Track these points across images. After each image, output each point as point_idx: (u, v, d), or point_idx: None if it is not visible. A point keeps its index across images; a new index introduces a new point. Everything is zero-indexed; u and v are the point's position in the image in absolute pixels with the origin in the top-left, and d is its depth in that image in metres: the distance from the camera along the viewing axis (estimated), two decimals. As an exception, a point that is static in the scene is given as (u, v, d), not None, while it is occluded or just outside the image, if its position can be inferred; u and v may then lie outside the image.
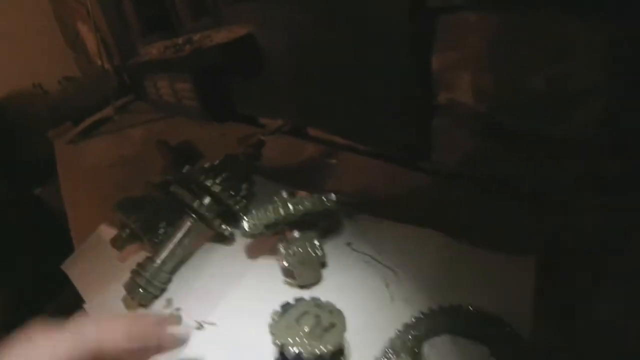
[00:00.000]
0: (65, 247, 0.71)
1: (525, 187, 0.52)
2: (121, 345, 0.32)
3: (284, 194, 0.45)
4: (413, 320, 0.39)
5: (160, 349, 0.35)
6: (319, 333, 0.34)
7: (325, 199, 0.44)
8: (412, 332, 0.38)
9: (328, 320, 0.35)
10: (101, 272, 0.60)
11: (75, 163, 1.12)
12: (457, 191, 0.55)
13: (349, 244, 0.50)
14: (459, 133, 0.56)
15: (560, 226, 0.45)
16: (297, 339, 0.33)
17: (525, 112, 0.48)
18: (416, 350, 0.37)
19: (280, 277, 0.49)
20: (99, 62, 1.47)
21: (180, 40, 1.01)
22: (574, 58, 0.41)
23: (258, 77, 0.82)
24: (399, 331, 0.38)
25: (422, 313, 0.39)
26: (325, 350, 0.33)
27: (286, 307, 0.37)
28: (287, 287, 0.47)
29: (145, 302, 0.50)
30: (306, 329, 0.34)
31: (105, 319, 0.34)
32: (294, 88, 0.75)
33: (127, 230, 0.57)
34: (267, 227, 0.43)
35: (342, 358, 0.37)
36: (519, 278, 0.41)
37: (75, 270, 0.64)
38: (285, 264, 0.45)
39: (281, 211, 0.42)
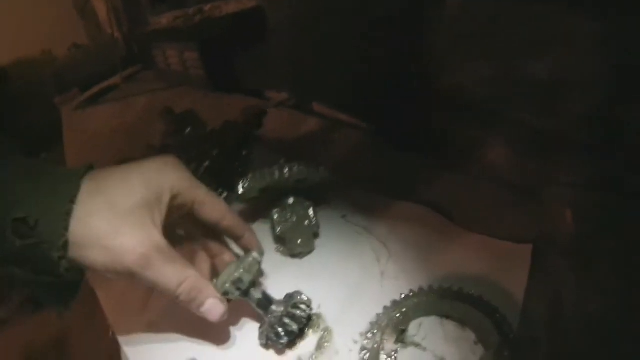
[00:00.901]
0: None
1: (517, 177, 0.51)
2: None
3: (282, 161, 0.45)
4: (402, 297, 0.39)
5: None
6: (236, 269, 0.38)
7: (321, 169, 0.44)
8: (400, 310, 0.38)
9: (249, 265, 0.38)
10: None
11: (79, 129, 1.12)
12: (454, 175, 0.54)
13: (343, 216, 0.50)
14: (458, 118, 0.55)
15: (546, 217, 0.44)
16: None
17: (521, 101, 0.47)
18: (402, 329, 0.37)
19: (271, 244, 0.48)
20: (109, 31, 1.46)
21: (190, 11, 1.00)
22: (572, 48, 0.41)
23: (265, 49, 0.81)
24: (386, 308, 0.38)
25: (412, 291, 0.39)
26: (237, 275, 0.37)
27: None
28: (277, 255, 0.47)
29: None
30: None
31: None
32: (300, 61, 0.74)
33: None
34: (262, 191, 0.43)
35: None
36: (515, 266, 0.40)
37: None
38: (277, 230, 0.45)
39: (276, 175, 0.42)
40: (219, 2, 0.92)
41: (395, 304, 0.38)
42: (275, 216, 0.45)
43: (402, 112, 0.60)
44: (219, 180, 0.52)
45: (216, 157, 0.49)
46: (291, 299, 0.38)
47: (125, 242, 0.32)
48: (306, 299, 0.38)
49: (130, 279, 0.33)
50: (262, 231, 0.50)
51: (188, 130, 0.52)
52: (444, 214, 0.48)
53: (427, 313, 0.38)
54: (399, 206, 0.51)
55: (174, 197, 0.35)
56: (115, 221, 0.32)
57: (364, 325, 0.38)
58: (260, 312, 0.38)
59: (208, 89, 0.99)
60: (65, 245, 0.30)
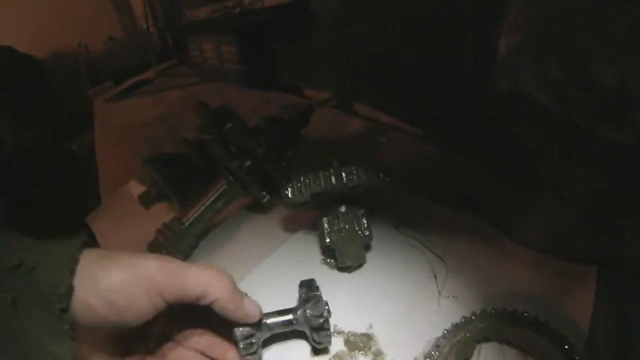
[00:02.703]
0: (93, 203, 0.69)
1: (579, 191, 0.47)
2: (228, 295, 0.31)
3: (335, 164, 0.40)
4: (463, 320, 0.34)
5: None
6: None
7: (381, 174, 0.39)
8: (462, 335, 0.33)
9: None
10: (125, 229, 0.57)
11: (111, 120, 1.11)
12: (515, 187, 0.49)
13: (396, 227, 0.46)
14: (517, 125, 0.51)
15: (614, 240, 0.40)
16: None
17: (590, 108, 0.43)
18: (465, 357, 0.32)
19: (317, 255, 0.44)
20: (144, 24, 1.46)
21: (230, 4, 0.97)
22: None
23: (308, 44, 0.77)
24: (447, 331, 0.34)
25: (474, 314, 0.35)
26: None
27: None
28: (324, 267, 0.43)
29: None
30: None
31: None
32: (344, 60, 0.70)
33: (157, 188, 0.53)
34: (313, 196, 0.38)
35: None
36: (579, 289, 0.37)
37: (100, 224, 0.61)
38: (327, 240, 0.41)
39: (333, 180, 0.37)
40: (260, -6, 0.89)
41: (457, 327, 0.34)
42: (326, 225, 0.41)
43: (460, 116, 0.55)
44: (260, 182, 0.48)
45: (261, 156, 0.45)
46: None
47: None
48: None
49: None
50: (307, 241, 0.47)
51: (229, 125, 0.48)
52: (504, 229, 0.44)
53: (492, 338, 0.34)
54: (457, 218, 0.46)
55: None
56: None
57: (419, 349, 0.34)
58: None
59: (243, 85, 0.96)
60: (70, 292, 0.26)
